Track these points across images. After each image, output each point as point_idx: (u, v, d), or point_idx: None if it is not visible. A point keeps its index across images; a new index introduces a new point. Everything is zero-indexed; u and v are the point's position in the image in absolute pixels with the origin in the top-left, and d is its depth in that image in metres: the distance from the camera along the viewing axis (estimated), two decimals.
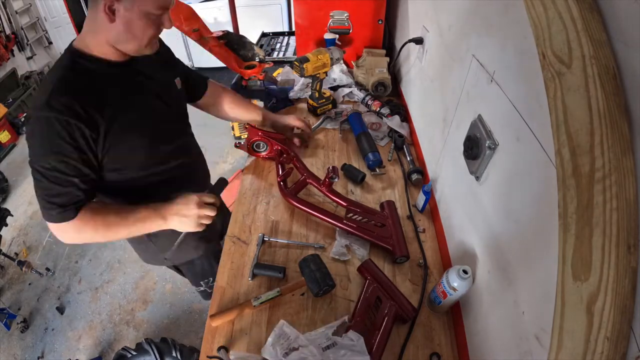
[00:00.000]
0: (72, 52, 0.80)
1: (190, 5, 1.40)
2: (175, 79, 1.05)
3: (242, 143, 1.35)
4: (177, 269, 1.38)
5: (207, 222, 0.92)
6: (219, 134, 3.40)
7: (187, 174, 1.11)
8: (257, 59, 1.56)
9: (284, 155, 1.28)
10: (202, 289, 1.43)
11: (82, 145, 0.77)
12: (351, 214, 1.09)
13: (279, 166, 1.26)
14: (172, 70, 1.05)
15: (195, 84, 1.20)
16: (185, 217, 0.88)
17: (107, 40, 0.79)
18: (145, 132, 0.91)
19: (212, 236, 1.30)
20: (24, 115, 3.75)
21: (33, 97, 0.84)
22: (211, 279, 1.39)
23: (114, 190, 0.95)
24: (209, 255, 1.32)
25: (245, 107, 1.31)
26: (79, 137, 0.76)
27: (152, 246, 1.16)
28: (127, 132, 0.86)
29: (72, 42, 0.82)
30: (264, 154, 1.35)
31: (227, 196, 2.52)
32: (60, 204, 0.79)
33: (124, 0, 0.72)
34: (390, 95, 1.67)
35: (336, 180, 1.14)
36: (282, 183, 1.21)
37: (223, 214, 1.35)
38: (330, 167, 1.13)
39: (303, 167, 1.25)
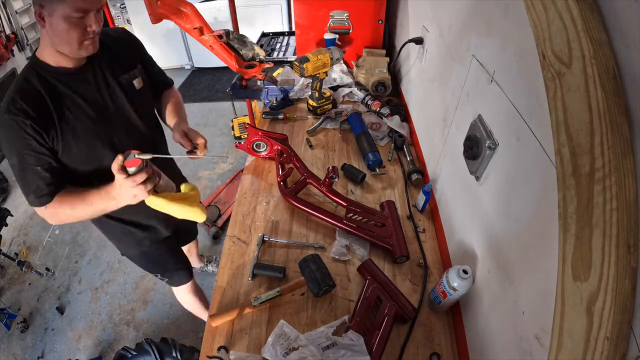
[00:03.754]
0: (31, 62, 0.89)
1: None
2: (135, 79, 1.05)
3: (242, 143, 1.35)
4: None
5: (143, 193, 0.82)
6: (219, 134, 3.40)
7: None
8: (257, 59, 1.56)
9: (284, 155, 1.28)
10: (159, 277, 1.42)
11: (38, 139, 0.86)
12: (351, 214, 1.09)
13: (279, 166, 1.26)
14: (132, 71, 1.05)
15: (155, 84, 1.17)
16: (123, 190, 0.83)
17: (50, 45, 0.85)
18: (96, 133, 0.96)
19: (154, 240, 1.28)
20: None
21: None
22: (158, 274, 1.40)
23: (80, 177, 0.99)
24: (150, 256, 1.32)
25: (170, 110, 1.19)
26: (33, 133, 0.84)
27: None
28: (78, 133, 0.92)
29: (35, 49, 0.90)
30: (264, 154, 1.35)
31: (227, 196, 2.53)
32: (32, 191, 0.90)
33: (46, 6, 0.77)
34: (390, 95, 1.67)
35: (336, 180, 1.14)
36: (282, 183, 1.21)
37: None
38: (330, 167, 1.13)
39: (303, 167, 1.25)
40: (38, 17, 0.79)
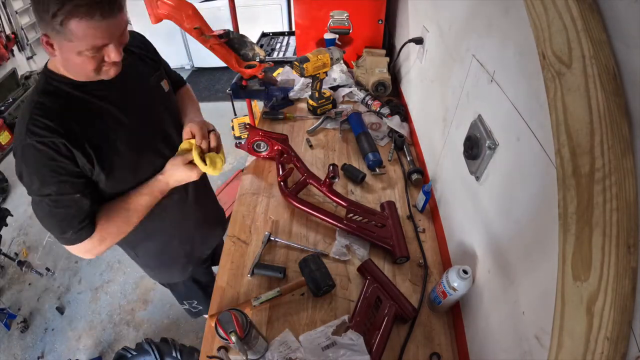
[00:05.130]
0: (46, 74, 0.77)
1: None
2: (162, 82, 0.98)
3: (243, 143, 1.35)
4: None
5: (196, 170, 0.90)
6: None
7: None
8: (257, 59, 1.55)
9: (284, 155, 1.28)
10: (185, 307, 1.42)
11: (72, 161, 0.75)
12: (351, 214, 1.09)
13: (279, 166, 1.26)
14: (157, 73, 0.98)
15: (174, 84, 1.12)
16: (176, 167, 0.89)
17: (62, 65, 0.75)
18: (139, 144, 0.88)
19: (198, 261, 1.28)
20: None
21: (16, 126, 0.77)
22: (195, 301, 1.39)
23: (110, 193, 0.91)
24: (194, 280, 1.31)
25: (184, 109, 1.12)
26: (68, 153, 0.74)
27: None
28: (120, 147, 0.83)
29: (47, 61, 0.79)
30: (264, 154, 1.35)
31: (227, 196, 2.52)
32: (73, 225, 0.78)
33: (55, 39, 0.67)
34: (390, 95, 1.67)
35: (336, 180, 1.14)
36: (282, 183, 1.21)
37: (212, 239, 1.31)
38: (331, 167, 1.13)
39: (303, 167, 1.25)
40: (46, 44, 0.69)
